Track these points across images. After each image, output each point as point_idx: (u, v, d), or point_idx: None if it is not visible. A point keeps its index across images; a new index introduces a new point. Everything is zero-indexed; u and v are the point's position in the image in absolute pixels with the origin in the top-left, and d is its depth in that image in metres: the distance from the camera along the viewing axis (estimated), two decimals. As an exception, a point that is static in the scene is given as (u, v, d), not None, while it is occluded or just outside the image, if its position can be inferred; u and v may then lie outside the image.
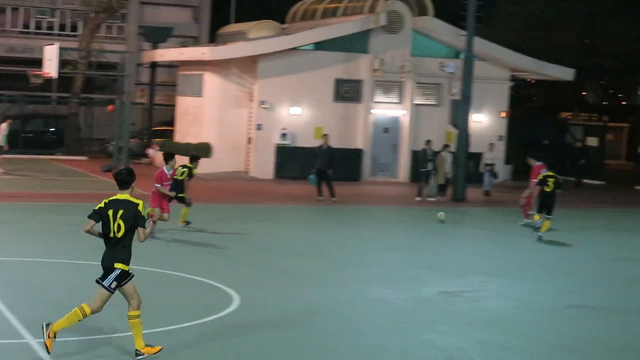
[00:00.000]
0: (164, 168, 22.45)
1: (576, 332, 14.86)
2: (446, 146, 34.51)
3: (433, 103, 42.31)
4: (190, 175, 23.85)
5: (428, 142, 34.77)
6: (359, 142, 41.00)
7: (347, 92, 41.26)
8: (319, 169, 31.98)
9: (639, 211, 34.11)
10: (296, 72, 40.41)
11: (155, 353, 11.99)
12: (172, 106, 48.40)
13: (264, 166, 40.03)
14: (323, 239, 23.03)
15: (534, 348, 13.66)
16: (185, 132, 44.02)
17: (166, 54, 47.19)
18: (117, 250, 11.88)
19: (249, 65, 40.75)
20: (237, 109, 41.45)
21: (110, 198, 11.93)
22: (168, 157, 22.52)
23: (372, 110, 41.35)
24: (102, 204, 11.90)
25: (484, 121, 42.92)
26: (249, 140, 40.90)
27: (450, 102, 37.76)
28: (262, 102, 39.94)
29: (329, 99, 40.93)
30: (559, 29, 54.95)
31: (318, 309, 15.46)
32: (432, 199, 33.68)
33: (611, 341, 14.42)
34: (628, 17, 51.62)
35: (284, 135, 39.82)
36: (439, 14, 42.60)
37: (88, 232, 11.99)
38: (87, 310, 11.86)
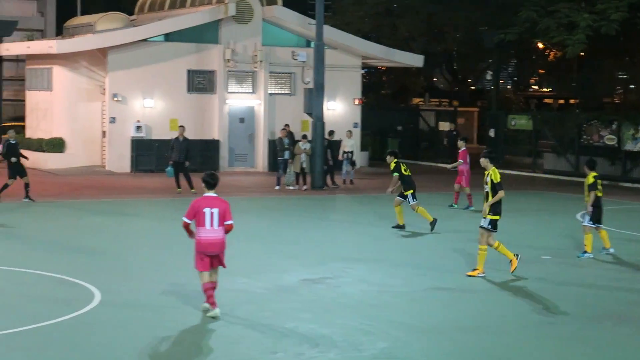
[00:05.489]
0: None
1: (435, 314, 15.15)
2: (304, 136, 34.73)
3: (287, 92, 42.48)
4: None
5: (285, 128, 35.01)
6: (215, 132, 40.86)
7: (200, 83, 41.07)
8: (176, 161, 31.75)
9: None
10: (147, 64, 40.01)
11: None
12: (22, 101, 47.32)
13: (120, 160, 39.51)
14: (181, 231, 22.86)
15: (396, 331, 13.88)
16: (36, 128, 43.14)
17: (12, 47, 46.00)
18: None
19: (98, 57, 40.14)
20: (89, 103, 40.81)
21: None
22: None
23: (226, 101, 41.25)
24: None
25: (338, 109, 43.34)
26: (104, 134, 40.31)
27: (304, 90, 37.95)
28: (115, 95, 39.40)
29: (183, 90, 40.67)
30: (406, 17, 55.78)
31: (182, 302, 15.38)
32: (291, 188, 33.86)
33: (468, 321, 14.76)
34: (470, 4, 52.78)
35: (138, 128, 39.38)
36: (288, 3, 42.79)
37: None
38: None
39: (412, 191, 24.14)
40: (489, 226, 18.07)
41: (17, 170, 28.21)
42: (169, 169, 31.89)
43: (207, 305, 14.32)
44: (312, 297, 16.11)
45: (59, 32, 54.50)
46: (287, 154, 33.99)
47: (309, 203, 30.52)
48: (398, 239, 22.95)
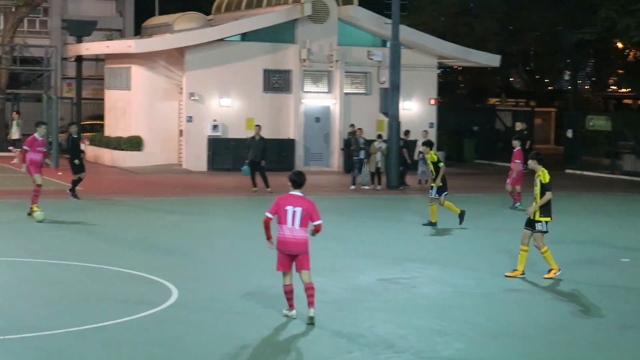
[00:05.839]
0: (35, 134, 24.43)
1: (512, 316, 15.02)
2: (379, 135, 34.69)
3: (362, 92, 42.47)
4: None
5: (359, 129, 35.09)
6: (291, 132, 41.00)
7: (277, 82, 41.24)
8: (252, 160, 31.90)
9: (571, 194, 34.52)
10: (224, 64, 40.29)
11: None
12: (101, 100, 48.02)
13: (196, 158, 39.85)
14: (258, 230, 22.96)
15: (472, 332, 13.80)
16: (114, 126, 43.71)
17: (91, 47, 46.74)
18: None
19: (176, 57, 40.52)
20: (167, 102, 41.22)
21: None
22: (38, 124, 25.33)
23: (302, 100, 41.37)
24: None
25: (414, 109, 43.20)
26: (181, 132, 40.68)
27: (380, 90, 37.91)
28: (192, 94, 39.75)
29: (259, 89, 40.87)
30: (482, 16, 55.46)
31: (256, 300, 15.45)
32: (366, 187, 33.85)
33: (544, 323, 14.61)
34: (548, 3, 52.30)
35: (214, 127, 39.68)
36: (364, 3, 42.77)
37: None
38: None
39: (441, 184, 24.25)
40: (546, 228, 17.79)
41: (80, 165, 28.43)
42: (245, 167, 32.06)
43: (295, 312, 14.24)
44: (388, 297, 16.08)
45: (137, 32, 55.20)
46: (362, 154, 34.01)
47: (384, 203, 30.47)
48: (474, 240, 22.79)
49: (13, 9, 49.94)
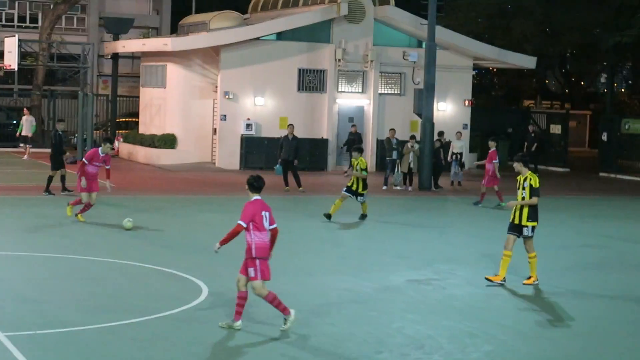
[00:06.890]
0: (99, 149, 23.37)
1: (542, 318, 14.98)
2: (412, 136, 34.64)
3: (397, 92, 42.42)
4: None
5: (391, 129, 35.04)
6: (324, 131, 41.01)
7: (311, 82, 41.27)
8: (285, 159, 31.96)
9: (604, 198, 34.37)
10: (259, 63, 40.37)
11: None
12: (136, 97, 48.29)
13: (229, 157, 39.95)
14: (291, 230, 22.97)
15: (503, 335, 13.78)
16: (149, 124, 43.93)
17: (128, 45, 46.98)
18: None
19: (211, 55, 40.67)
20: (202, 100, 41.40)
21: None
22: (105, 141, 23.84)
23: (336, 100, 41.38)
24: None
25: (448, 110, 43.11)
26: (215, 131, 40.82)
27: (414, 91, 37.84)
28: (226, 93, 39.87)
29: (293, 89, 40.92)
30: (519, 18, 55.27)
31: (288, 299, 15.45)
32: (398, 188, 33.82)
33: (577, 326, 14.57)
34: (586, 5, 52.03)
35: (248, 126, 39.77)
36: (400, 3, 42.74)
37: None
38: None
39: (366, 191, 25.72)
40: (533, 233, 17.44)
41: (61, 162, 28.51)
42: (278, 166, 32.11)
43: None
44: (418, 298, 16.07)
45: (174, 30, 55.47)
46: (395, 154, 33.97)
47: (415, 204, 30.43)
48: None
49: (51, 6, 50.39)
